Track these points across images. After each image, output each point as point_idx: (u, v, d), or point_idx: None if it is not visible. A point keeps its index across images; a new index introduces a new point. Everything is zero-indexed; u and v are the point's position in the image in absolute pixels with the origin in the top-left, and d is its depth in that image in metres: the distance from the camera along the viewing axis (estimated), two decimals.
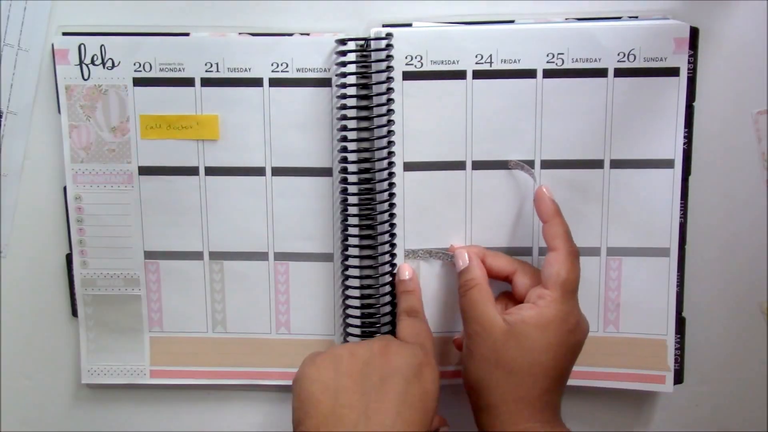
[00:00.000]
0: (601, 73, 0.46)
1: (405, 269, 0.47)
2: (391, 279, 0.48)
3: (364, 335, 0.48)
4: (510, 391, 0.41)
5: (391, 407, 0.38)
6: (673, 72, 0.46)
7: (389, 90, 0.46)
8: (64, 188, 0.49)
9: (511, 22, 0.46)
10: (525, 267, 0.46)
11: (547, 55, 0.46)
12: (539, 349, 0.41)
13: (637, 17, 0.46)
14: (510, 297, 0.46)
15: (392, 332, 0.48)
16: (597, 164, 0.47)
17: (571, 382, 0.44)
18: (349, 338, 0.48)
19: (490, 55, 0.46)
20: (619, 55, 0.46)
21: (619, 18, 0.46)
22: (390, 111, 0.46)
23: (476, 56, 0.46)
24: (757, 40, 0.47)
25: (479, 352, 0.42)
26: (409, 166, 0.47)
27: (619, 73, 0.46)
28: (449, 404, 0.47)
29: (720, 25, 0.46)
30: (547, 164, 0.47)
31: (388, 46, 0.46)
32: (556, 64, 0.46)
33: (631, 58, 0.46)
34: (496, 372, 0.42)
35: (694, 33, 0.46)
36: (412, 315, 0.46)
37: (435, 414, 0.41)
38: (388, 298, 0.48)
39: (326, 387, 0.39)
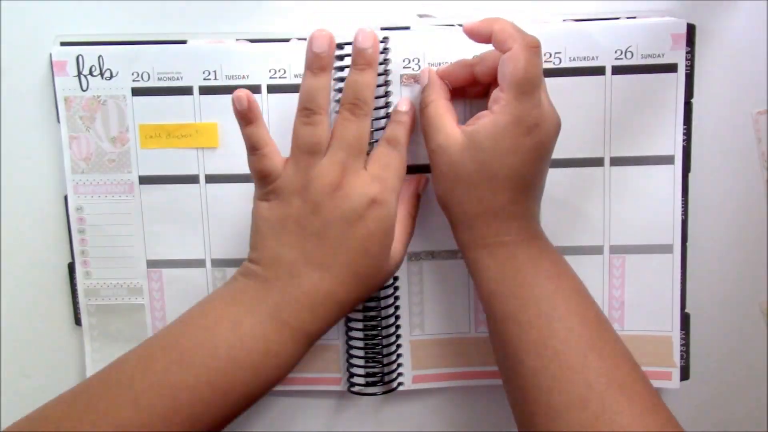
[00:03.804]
0: (599, 71, 0.46)
1: (405, 101, 0.45)
2: (392, 283, 0.48)
3: (367, 338, 0.48)
4: (473, 207, 0.41)
5: (329, 250, 0.40)
6: (671, 68, 0.46)
7: (387, 93, 0.46)
8: (65, 198, 0.49)
9: None
10: (485, 56, 0.43)
11: (545, 54, 0.46)
12: (494, 160, 0.40)
13: (635, 17, 0.46)
14: None
15: (397, 332, 0.49)
16: (597, 162, 0.47)
17: None
18: (352, 342, 0.48)
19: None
20: (616, 52, 0.46)
21: (617, 18, 0.46)
22: (388, 114, 0.46)
23: (474, 57, 0.46)
24: (755, 40, 0.47)
25: (439, 169, 0.42)
26: (409, 169, 0.47)
27: (617, 70, 0.46)
28: (461, 405, 0.47)
29: (718, 25, 0.46)
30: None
31: (386, 49, 0.46)
32: (554, 63, 0.46)
33: (629, 55, 0.46)
34: (456, 188, 0.41)
35: (690, 30, 0.46)
36: (392, 144, 0.43)
37: (385, 249, 0.42)
38: (390, 301, 0.48)
39: (272, 226, 0.41)
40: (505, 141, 0.39)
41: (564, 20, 0.46)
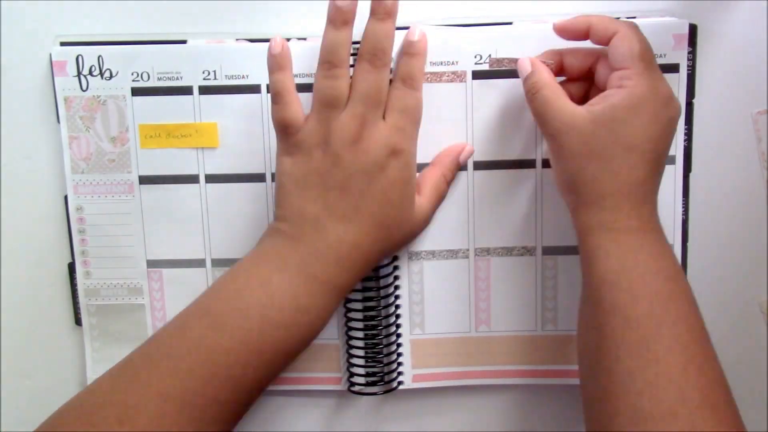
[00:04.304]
0: None
1: (416, 29, 0.44)
2: (392, 282, 0.48)
3: (367, 337, 0.48)
4: (607, 184, 0.39)
5: (351, 202, 0.41)
6: (673, 68, 0.46)
7: None
8: (65, 198, 0.49)
9: (510, 23, 0.46)
10: (576, 48, 0.43)
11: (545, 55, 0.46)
12: (634, 132, 0.39)
13: (635, 17, 0.46)
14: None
15: (396, 327, 0.49)
16: None
17: (576, 380, 0.43)
18: (352, 341, 0.48)
19: (489, 55, 0.46)
20: None
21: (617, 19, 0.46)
22: None
23: (475, 56, 0.46)
24: (756, 40, 0.47)
25: (568, 149, 0.40)
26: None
27: None
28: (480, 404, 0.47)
29: (719, 25, 0.46)
30: (548, 163, 0.47)
31: None
32: (555, 62, 0.46)
33: None
34: (590, 165, 0.40)
35: (692, 30, 0.46)
36: (407, 84, 0.43)
37: (407, 198, 0.43)
38: (391, 300, 0.48)
39: (295, 181, 0.42)
40: (645, 111, 0.39)
41: None
